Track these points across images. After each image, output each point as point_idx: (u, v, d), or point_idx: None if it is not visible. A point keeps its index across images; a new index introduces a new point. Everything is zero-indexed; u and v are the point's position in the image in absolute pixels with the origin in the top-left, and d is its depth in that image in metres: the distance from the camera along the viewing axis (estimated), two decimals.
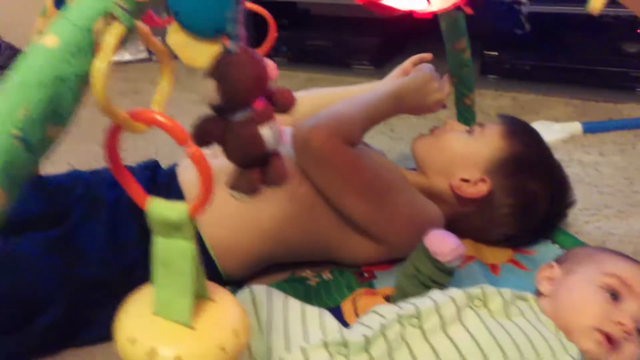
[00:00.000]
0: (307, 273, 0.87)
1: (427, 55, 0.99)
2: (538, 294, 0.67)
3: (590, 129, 1.38)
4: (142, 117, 0.33)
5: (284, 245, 0.84)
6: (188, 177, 0.84)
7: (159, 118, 0.34)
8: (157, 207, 0.38)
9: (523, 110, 1.55)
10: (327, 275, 0.86)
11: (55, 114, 0.29)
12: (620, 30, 1.61)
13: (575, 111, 1.53)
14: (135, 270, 0.76)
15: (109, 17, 0.30)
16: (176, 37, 0.51)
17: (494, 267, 0.87)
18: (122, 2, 0.31)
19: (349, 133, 0.80)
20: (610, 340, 0.58)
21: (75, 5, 0.31)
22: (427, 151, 0.93)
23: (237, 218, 0.81)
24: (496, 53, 1.72)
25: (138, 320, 0.41)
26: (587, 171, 1.20)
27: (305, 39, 1.96)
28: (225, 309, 0.42)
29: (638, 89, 1.57)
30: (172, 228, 0.38)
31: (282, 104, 0.46)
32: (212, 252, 0.80)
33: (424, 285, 0.67)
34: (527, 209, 0.87)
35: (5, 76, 0.29)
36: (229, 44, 0.40)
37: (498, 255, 0.90)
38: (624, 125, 1.39)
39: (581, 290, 0.62)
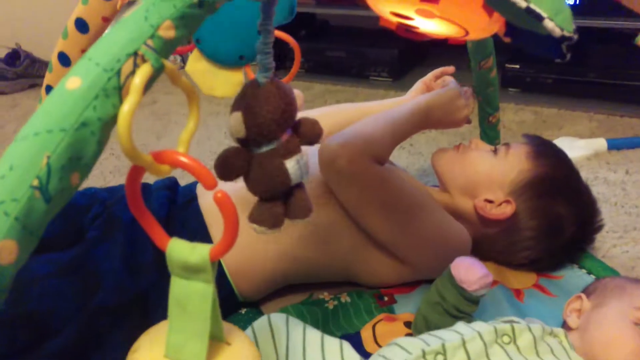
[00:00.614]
0: (324, 295, 0.85)
1: (450, 69, 0.97)
2: (566, 327, 0.65)
3: (616, 145, 1.34)
4: (168, 160, 0.32)
5: (301, 264, 0.82)
6: (209, 200, 0.82)
7: (185, 160, 0.32)
8: (177, 249, 0.36)
9: (545, 125, 1.53)
10: (345, 298, 0.84)
11: (77, 161, 0.28)
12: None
13: (599, 126, 1.50)
14: (150, 294, 0.75)
15: (138, 58, 0.29)
16: (197, 65, 0.50)
17: (518, 293, 0.84)
18: (151, 42, 0.29)
19: (378, 151, 0.78)
20: None
21: (101, 45, 0.29)
22: (450, 167, 0.91)
23: (253, 237, 0.79)
24: (517, 66, 1.70)
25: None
26: (613, 190, 1.16)
27: (323, 50, 1.95)
28: (241, 353, 0.41)
29: None
30: (192, 271, 0.37)
31: (309, 135, 0.44)
32: (227, 273, 0.78)
33: (448, 313, 0.65)
34: (552, 232, 0.85)
35: (27, 122, 0.28)
36: (258, 76, 0.38)
37: (522, 279, 0.87)
38: None
39: (613, 326, 0.60)
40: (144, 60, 0.30)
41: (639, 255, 0.94)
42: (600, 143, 1.35)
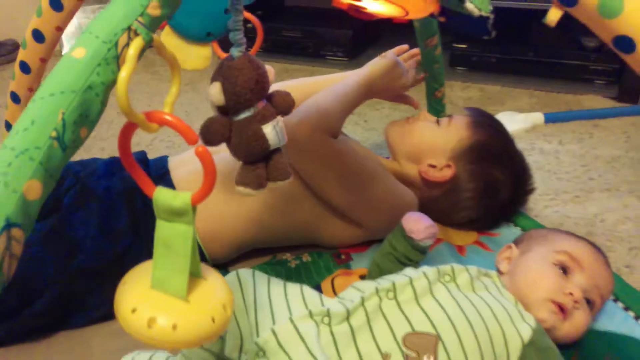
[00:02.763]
0: (287, 256, 0.93)
1: (404, 47, 1.05)
2: (499, 272, 0.74)
3: (551, 119, 1.46)
4: (156, 118, 0.38)
5: (266, 231, 0.89)
6: (180, 174, 0.89)
7: (170, 119, 0.39)
8: (163, 196, 0.42)
9: (489, 101, 1.63)
10: (306, 258, 0.92)
11: (85, 117, 0.34)
12: (581, 25, 1.69)
13: (538, 102, 1.61)
14: (126, 257, 0.81)
15: (132, 32, 0.35)
16: (169, 40, 0.56)
17: (460, 249, 0.94)
18: (141, 19, 0.36)
19: (331, 125, 0.85)
20: (562, 309, 0.66)
21: (100, 21, 0.35)
22: (399, 137, 1.00)
23: (223, 205, 0.85)
24: (464, 46, 1.80)
25: (137, 293, 0.44)
26: (547, 159, 1.28)
27: (279, 30, 2.00)
28: (215, 286, 0.47)
29: (597, 82, 1.67)
30: (175, 214, 0.42)
31: (282, 105, 0.51)
32: (198, 238, 0.85)
33: (399, 261, 0.74)
34: (489, 193, 0.94)
35: (41, 85, 0.34)
36: (232, 50, 0.45)
37: (464, 237, 0.97)
38: (583, 115, 1.48)
39: (535, 267, 0.70)
40: (136, 34, 0.36)
41: (567, 214, 1.06)
42: (538, 117, 1.46)
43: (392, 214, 0.81)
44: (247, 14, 0.63)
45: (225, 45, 0.53)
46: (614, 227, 1.02)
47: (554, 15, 0.48)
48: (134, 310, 0.42)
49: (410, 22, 0.98)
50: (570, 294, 0.66)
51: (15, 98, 0.77)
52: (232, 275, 0.70)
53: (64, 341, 0.77)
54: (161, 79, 1.83)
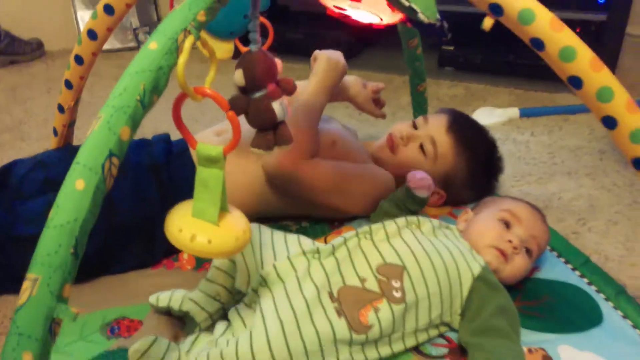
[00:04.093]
0: (288, 223, 1.10)
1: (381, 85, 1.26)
2: (458, 231, 0.91)
3: (526, 113, 1.64)
4: (201, 92, 0.55)
5: (266, 202, 1.05)
6: None
7: (210, 92, 0.56)
8: (203, 148, 0.59)
9: (473, 98, 1.81)
10: (305, 224, 1.09)
11: (156, 88, 0.51)
12: None
13: (517, 99, 1.79)
14: (155, 219, 0.97)
15: (186, 31, 0.52)
16: (204, 37, 0.73)
17: (434, 217, 1.11)
18: (193, 23, 0.53)
19: (309, 149, 1.00)
20: (503, 254, 0.83)
21: (166, 24, 0.53)
22: (389, 167, 1.11)
23: (230, 177, 1.02)
24: (452, 48, 1.97)
25: (182, 219, 0.60)
26: (519, 148, 1.45)
27: (284, 32, 2.17)
28: (238, 218, 0.64)
29: None
30: (211, 161, 0.59)
31: (287, 89, 0.67)
32: None
33: (398, 207, 0.93)
34: (462, 189, 1.11)
35: (128, 66, 0.51)
36: (251, 46, 0.62)
37: (440, 210, 1.14)
38: (554, 111, 1.65)
39: (483, 222, 0.87)
40: (189, 33, 0.53)
41: (529, 192, 1.23)
42: (514, 112, 1.64)
43: (374, 198, 0.98)
44: (262, 19, 0.80)
45: (243, 42, 0.69)
46: (568, 203, 1.19)
47: (488, 22, 0.65)
48: (180, 230, 0.59)
49: (396, 27, 1.15)
50: (510, 241, 0.83)
51: (68, 85, 0.95)
52: None
53: (105, 283, 0.94)
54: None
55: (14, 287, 0.92)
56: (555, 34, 0.62)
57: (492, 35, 1.76)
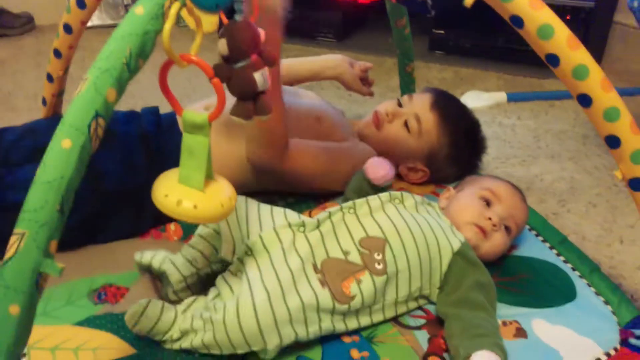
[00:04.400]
0: (274, 197, 1.11)
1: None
2: (440, 207, 0.93)
3: (513, 98, 1.66)
4: (186, 58, 0.56)
5: (251, 174, 1.06)
6: None
7: (195, 59, 0.57)
8: (189, 115, 0.60)
9: (462, 82, 1.82)
10: (290, 199, 1.10)
11: (142, 52, 0.52)
12: None
13: (505, 84, 1.81)
14: (143, 188, 0.98)
15: None
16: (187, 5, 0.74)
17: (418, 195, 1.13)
18: None
19: (279, 131, 0.98)
20: (483, 231, 0.85)
21: None
22: (375, 144, 1.14)
23: (217, 147, 1.03)
24: (443, 32, 1.98)
25: (169, 185, 0.62)
26: (504, 131, 1.47)
27: None
28: (223, 185, 0.65)
29: None
30: (197, 128, 0.60)
31: (268, 60, 0.69)
32: None
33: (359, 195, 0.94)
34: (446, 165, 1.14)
35: (115, 31, 0.52)
36: (236, 17, 0.63)
37: (423, 188, 1.16)
38: (541, 96, 1.67)
39: (464, 199, 0.90)
40: (175, 0, 0.54)
41: (512, 174, 1.26)
42: (501, 96, 1.66)
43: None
44: None
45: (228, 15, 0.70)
46: (550, 185, 1.22)
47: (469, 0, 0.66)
48: (166, 196, 0.60)
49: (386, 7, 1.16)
50: (489, 218, 0.86)
51: (57, 54, 0.95)
52: None
53: (93, 251, 0.95)
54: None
55: (3, 254, 0.96)
56: (534, 12, 0.64)
57: (482, 20, 1.78)
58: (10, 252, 0.47)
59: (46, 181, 0.48)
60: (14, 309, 0.47)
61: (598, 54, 1.73)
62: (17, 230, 0.48)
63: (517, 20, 0.65)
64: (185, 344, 0.73)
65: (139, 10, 0.53)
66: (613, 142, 0.67)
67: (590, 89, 0.65)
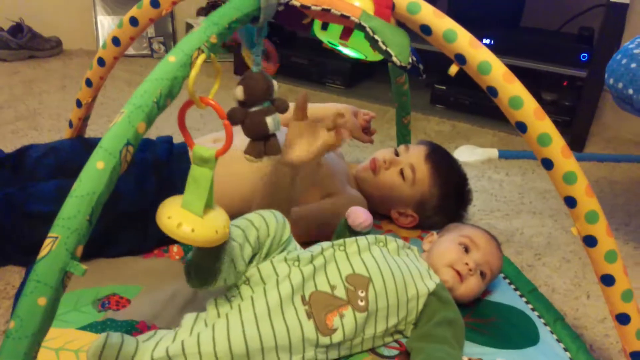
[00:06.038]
0: None
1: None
2: (423, 250, 1.02)
3: (505, 155, 1.76)
4: (205, 101, 0.66)
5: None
6: None
7: (212, 102, 0.67)
8: (198, 149, 0.69)
9: (458, 136, 1.93)
10: None
11: (171, 93, 0.62)
12: (541, 81, 2.01)
13: (499, 141, 1.91)
14: (151, 210, 1.07)
15: (200, 50, 0.64)
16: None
17: (405, 239, 1.22)
18: (206, 44, 0.64)
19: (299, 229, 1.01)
20: (460, 274, 0.94)
21: (185, 42, 0.64)
22: (370, 189, 1.24)
23: (223, 183, 1.12)
24: (444, 87, 2.11)
25: (172, 208, 0.70)
26: (492, 185, 1.57)
27: (289, 56, 2.31)
28: (220, 214, 0.73)
29: None
30: (204, 161, 0.69)
31: (281, 107, 0.78)
32: None
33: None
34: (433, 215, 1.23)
35: (149, 74, 0.63)
36: (253, 67, 0.73)
37: (410, 232, 1.25)
38: (530, 155, 1.76)
39: (445, 244, 0.98)
40: (202, 52, 0.65)
41: (495, 226, 1.34)
42: (493, 152, 1.76)
43: None
44: (269, 44, 0.92)
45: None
46: (529, 239, 1.30)
47: (453, 69, 0.77)
48: (169, 217, 0.69)
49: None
50: (467, 264, 0.94)
51: (89, 83, 1.06)
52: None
53: (100, 264, 1.04)
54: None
55: (21, 259, 1.05)
56: (507, 84, 0.74)
57: None
58: (44, 252, 0.56)
59: (80, 195, 0.57)
60: (42, 301, 0.56)
61: (587, 120, 1.83)
62: (52, 234, 0.57)
63: (493, 91, 0.75)
64: None
65: (171, 58, 0.63)
66: (571, 202, 0.77)
67: (552, 154, 0.74)
